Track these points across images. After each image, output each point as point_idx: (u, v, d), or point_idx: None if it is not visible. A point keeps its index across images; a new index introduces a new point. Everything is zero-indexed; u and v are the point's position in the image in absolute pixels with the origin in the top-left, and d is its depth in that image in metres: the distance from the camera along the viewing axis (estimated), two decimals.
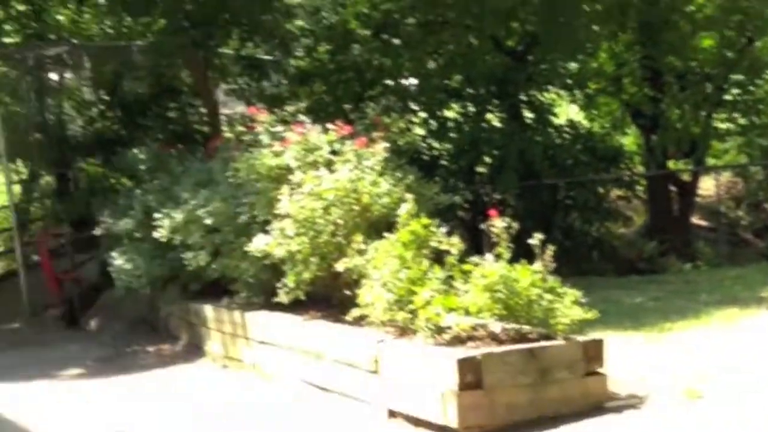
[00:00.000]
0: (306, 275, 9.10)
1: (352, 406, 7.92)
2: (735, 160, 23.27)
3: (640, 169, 21.44)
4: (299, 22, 20.67)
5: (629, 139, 23.04)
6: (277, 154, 10.49)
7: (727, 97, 21.02)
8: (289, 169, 10.23)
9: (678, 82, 20.94)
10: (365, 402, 7.75)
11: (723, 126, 21.33)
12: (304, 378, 8.84)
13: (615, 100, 21.82)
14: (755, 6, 20.01)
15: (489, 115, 18.61)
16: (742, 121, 21.32)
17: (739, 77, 20.97)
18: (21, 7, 21.24)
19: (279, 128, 11.29)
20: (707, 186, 22.98)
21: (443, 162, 18.31)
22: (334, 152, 10.34)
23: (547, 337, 7.14)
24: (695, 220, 22.08)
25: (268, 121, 11.46)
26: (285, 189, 9.62)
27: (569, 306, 7.34)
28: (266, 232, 9.60)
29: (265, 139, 11.12)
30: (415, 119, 18.52)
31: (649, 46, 19.83)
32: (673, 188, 21.09)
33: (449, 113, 18.61)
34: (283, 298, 9.20)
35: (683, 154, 21.21)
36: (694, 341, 8.60)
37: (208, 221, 10.76)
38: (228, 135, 14.86)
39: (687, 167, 21.41)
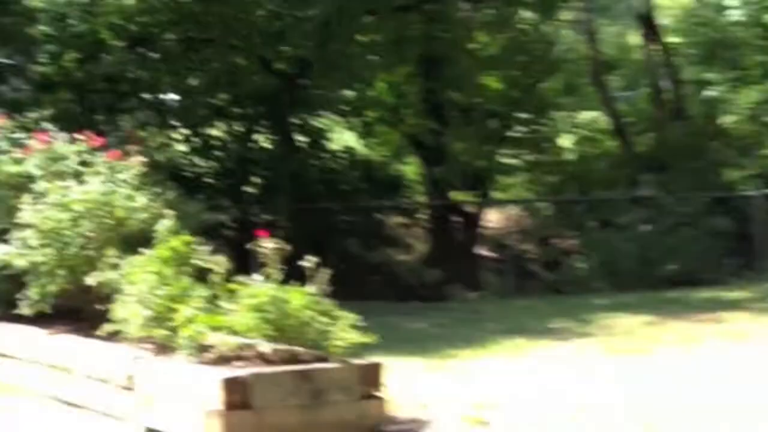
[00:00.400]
0: (52, 288, 9.11)
1: (105, 423, 7.89)
2: (521, 195, 24.64)
3: (423, 198, 22.33)
4: (42, 27, 20.35)
5: (411, 169, 23.97)
6: (17, 162, 10.48)
7: (513, 134, 22.41)
8: (30, 178, 10.24)
9: (462, 116, 21.97)
10: (120, 419, 7.75)
11: (509, 161, 22.63)
12: (49, 393, 8.78)
13: (394, 130, 22.63)
14: (541, 48, 21.70)
15: (258, 136, 18.90)
16: (528, 157, 22.75)
17: (525, 115, 22.48)
18: None
19: (20, 135, 11.19)
20: (495, 218, 24.02)
21: (208, 180, 18.49)
22: (84, 163, 10.37)
23: (322, 360, 7.33)
24: (482, 251, 22.98)
25: (7, 127, 11.37)
26: (27, 198, 9.62)
27: (345, 329, 7.55)
28: (5, 241, 9.57)
29: (2, 145, 11.03)
30: (176, 135, 18.58)
31: (430, 79, 20.83)
32: (457, 219, 22.07)
33: (214, 131, 18.80)
34: (25, 310, 9.18)
35: (467, 186, 22.23)
36: (479, 369, 8.93)
37: None
38: None
39: (471, 199, 22.46)
